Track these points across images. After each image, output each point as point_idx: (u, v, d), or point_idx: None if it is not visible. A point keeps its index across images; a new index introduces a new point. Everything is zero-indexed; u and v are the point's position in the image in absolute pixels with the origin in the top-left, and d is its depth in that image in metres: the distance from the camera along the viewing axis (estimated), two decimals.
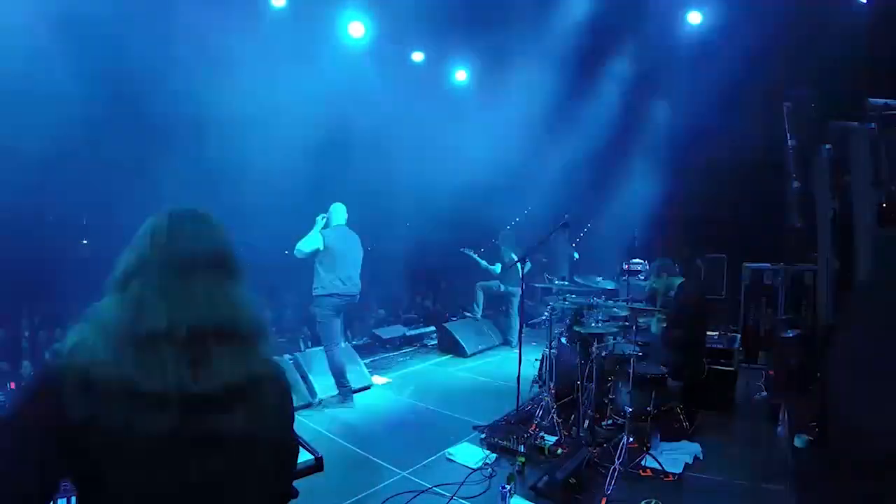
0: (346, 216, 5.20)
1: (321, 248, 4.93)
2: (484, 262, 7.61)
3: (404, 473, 3.68)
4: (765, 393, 5.23)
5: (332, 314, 5.05)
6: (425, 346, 7.68)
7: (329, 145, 7.15)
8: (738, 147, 6.86)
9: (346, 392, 5.07)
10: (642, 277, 7.10)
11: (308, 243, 4.91)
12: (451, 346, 7.25)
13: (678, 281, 4.74)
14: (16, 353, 6.23)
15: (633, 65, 8.04)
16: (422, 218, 8.47)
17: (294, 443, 1.24)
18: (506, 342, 7.58)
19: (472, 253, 7.62)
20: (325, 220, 5.07)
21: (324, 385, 5.17)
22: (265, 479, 1.07)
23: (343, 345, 5.55)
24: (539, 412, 4.33)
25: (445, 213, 8.15)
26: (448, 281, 10.57)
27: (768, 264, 6.56)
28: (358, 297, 5.26)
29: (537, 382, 5.08)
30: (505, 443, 3.96)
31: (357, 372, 5.62)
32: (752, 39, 6.22)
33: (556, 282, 5.64)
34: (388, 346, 7.49)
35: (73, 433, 0.88)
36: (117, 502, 0.91)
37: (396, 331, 7.84)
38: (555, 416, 4.25)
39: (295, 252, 4.94)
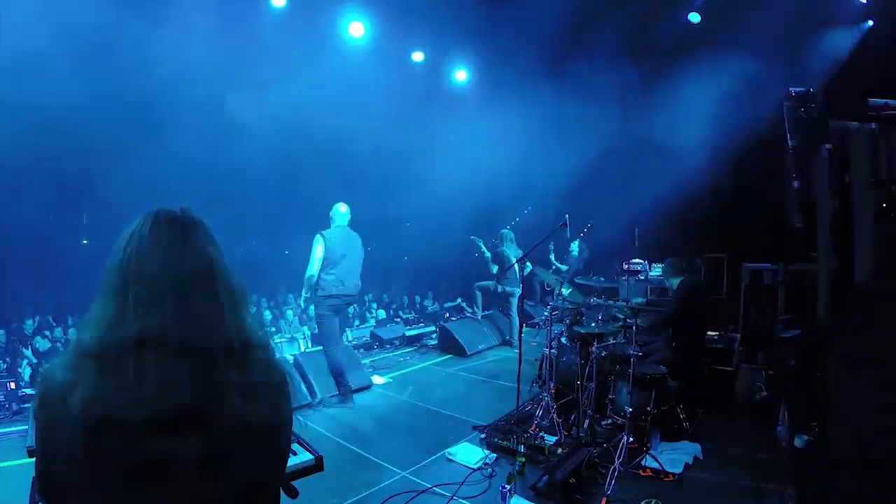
0: (348, 217, 5.19)
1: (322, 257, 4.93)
2: (489, 254, 7.53)
3: (404, 473, 3.68)
4: (765, 393, 5.22)
5: (330, 314, 5.06)
6: (425, 346, 7.67)
7: (329, 145, 7.16)
8: (739, 147, 6.86)
9: (345, 392, 5.07)
10: (642, 277, 7.10)
11: (309, 268, 4.95)
12: (450, 346, 7.25)
13: (677, 280, 4.75)
14: (16, 353, 6.23)
15: (633, 64, 8.03)
16: (422, 217, 8.47)
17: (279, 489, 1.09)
18: (506, 342, 7.58)
19: (480, 242, 7.53)
20: (321, 239, 4.98)
21: (324, 385, 5.17)
22: None
23: (343, 345, 5.55)
24: (539, 412, 4.33)
25: (446, 212, 8.15)
26: (448, 281, 10.58)
27: (768, 264, 6.56)
28: (357, 297, 5.26)
29: (537, 382, 5.08)
30: (505, 443, 3.96)
31: (357, 372, 5.62)
32: (752, 39, 6.23)
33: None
34: (388, 346, 7.50)
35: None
36: None
37: (396, 331, 7.85)
38: (555, 416, 4.25)
39: (306, 281, 4.96)
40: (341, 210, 5.17)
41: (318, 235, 4.97)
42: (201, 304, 0.97)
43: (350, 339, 7.47)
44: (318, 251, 4.91)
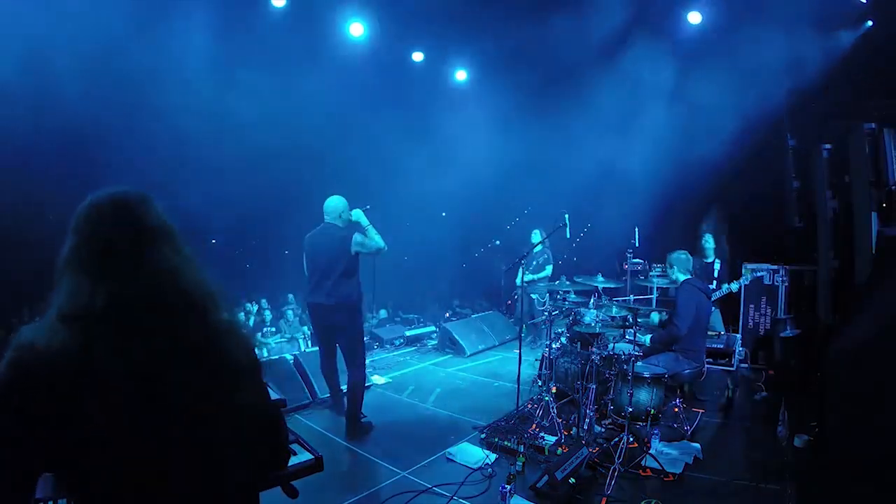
0: (335, 212, 4.33)
1: (384, 247, 4.34)
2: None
3: (404, 473, 3.68)
4: (765, 393, 5.23)
5: (315, 324, 4.54)
6: (425, 346, 7.68)
7: (329, 145, 7.16)
8: (739, 146, 6.86)
9: (337, 398, 4.85)
10: (642, 277, 7.10)
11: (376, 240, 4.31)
12: (450, 346, 7.25)
13: (683, 278, 4.72)
14: None
15: (632, 64, 8.02)
16: (422, 217, 8.47)
17: (271, 410, 1.27)
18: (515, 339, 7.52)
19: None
20: (364, 211, 4.40)
21: (324, 385, 5.14)
22: (242, 448, 1.11)
23: (333, 357, 4.74)
24: (539, 412, 4.33)
25: (445, 212, 8.15)
26: (449, 282, 10.57)
27: (768, 264, 6.57)
28: (336, 308, 4.19)
29: (537, 382, 5.08)
30: (505, 443, 3.96)
31: None
32: (751, 39, 6.22)
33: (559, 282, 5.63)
34: (388, 346, 7.49)
35: (43, 419, 0.92)
36: (94, 484, 0.95)
37: (396, 331, 7.84)
38: (555, 416, 4.26)
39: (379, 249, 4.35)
40: (327, 205, 4.36)
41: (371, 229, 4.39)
42: (163, 259, 1.09)
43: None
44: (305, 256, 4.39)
